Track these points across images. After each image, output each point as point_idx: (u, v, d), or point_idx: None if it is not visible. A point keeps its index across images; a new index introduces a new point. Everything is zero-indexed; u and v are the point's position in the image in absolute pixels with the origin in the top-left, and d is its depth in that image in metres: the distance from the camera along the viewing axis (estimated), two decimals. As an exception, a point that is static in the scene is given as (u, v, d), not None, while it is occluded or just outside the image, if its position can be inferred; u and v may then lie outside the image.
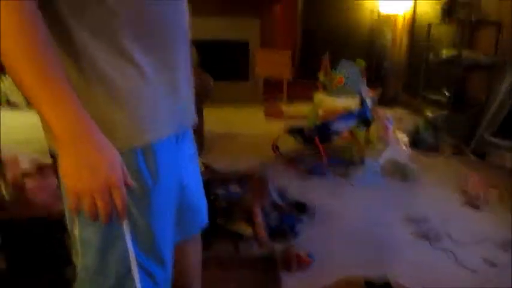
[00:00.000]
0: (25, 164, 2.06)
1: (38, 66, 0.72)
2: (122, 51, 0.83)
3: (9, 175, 1.91)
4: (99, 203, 0.76)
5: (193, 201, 1.17)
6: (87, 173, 0.75)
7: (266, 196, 2.30)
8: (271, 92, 5.78)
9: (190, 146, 1.13)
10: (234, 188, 2.84)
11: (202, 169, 2.25)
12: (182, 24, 0.97)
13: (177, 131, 1.00)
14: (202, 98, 3.58)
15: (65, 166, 0.76)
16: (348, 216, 2.69)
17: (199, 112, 3.65)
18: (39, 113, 0.75)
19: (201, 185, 1.21)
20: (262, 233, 2.22)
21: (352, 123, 3.44)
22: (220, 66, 5.51)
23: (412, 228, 2.50)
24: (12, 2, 0.70)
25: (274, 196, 2.41)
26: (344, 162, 3.45)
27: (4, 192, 1.84)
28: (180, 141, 1.02)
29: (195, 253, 1.28)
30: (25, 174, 1.96)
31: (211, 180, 2.61)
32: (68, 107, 0.74)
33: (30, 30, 0.72)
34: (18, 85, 0.74)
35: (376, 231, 2.51)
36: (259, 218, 2.25)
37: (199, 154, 3.37)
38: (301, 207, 2.62)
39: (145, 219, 0.90)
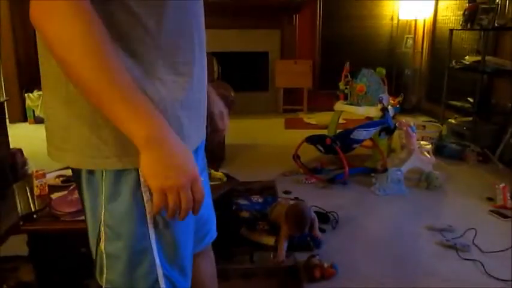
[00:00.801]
0: (51, 178, 2.11)
1: (115, 82, 0.74)
2: (158, 76, 0.85)
3: (36, 189, 1.96)
4: (184, 198, 0.80)
5: (205, 213, 1.18)
6: (173, 171, 0.78)
7: (300, 227, 2.27)
8: (291, 102, 5.79)
9: (202, 158, 1.15)
10: (256, 199, 2.84)
11: (224, 179, 2.26)
12: (204, 40, 0.99)
13: (198, 143, 1.01)
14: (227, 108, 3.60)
15: (151, 168, 0.78)
16: (372, 226, 2.65)
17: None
18: (114, 120, 0.76)
19: (211, 197, 1.23)
20: (282, 256, 2.20)
21: (373, 131, 3.40)
22: (240, 78, 5.57)
23: (438, 238, 2.45)
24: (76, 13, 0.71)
25: (312, 215, 2.38)
26: (366, 171, 3.41)
27: (31, 205, 1.89)
28: (195, 153, 1.03)
29: (208, 265, 1.30)
30: (51, 188, 2.01)
31: (233, 190, 2.62)
32: (147, 113, 0.76)
33: (98, 40, 0.73)
34: (90, 98, 0.76)
35: (400, 241, 2.47)
36: (283, 246, 2.24)
37: (221, 165, 3.41)
38: (323, 218, 2.60)
39: (171, 230, 0.91)
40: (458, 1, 4.89)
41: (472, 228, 2.49)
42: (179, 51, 0.89)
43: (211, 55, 4.36)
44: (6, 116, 3.49)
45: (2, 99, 3.41)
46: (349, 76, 3.84)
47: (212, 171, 2.20)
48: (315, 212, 2.51)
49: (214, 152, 3.45)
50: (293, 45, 5.74)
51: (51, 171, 2.16)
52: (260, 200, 2.84)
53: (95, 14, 0.74)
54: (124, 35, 0.81)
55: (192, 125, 0.94)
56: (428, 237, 2.48)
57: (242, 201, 2.80)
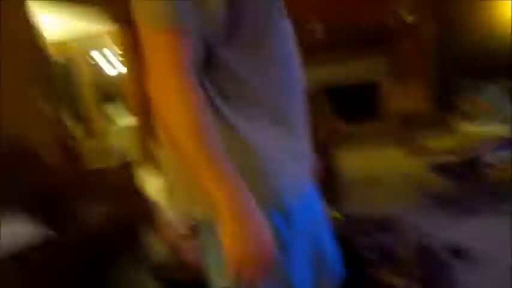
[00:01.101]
0: (179, 225, 2.23)
1: (209, 152, 0.80)
2: (260, 127, 0.90)
3: (166, 237, 2.09)
4: (258, 272, 0.81)
5: (328, 254, 1.16)
6: (252, 243, 0.80)
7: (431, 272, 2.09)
8: (409, 129, 5.49)
9: (317, 199, 1.14)
10: (380, 236, 2.69)
11: (340, 217, 2.18)
12: (301, 86, 1.02)
13: (305, 189, 1.02)
14: (335, 144, 3.57)
15: (231, 237, 0.81)
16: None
17: (332, 158, 3.62)
18: (202, 186, 0.82)
19: (332, 235, 1.20)
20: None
21: (507, 152, 3.06)
22: (351, 110, 5.48)
23: None
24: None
25: (424, 241, 2.20)
26: (502, 198, 3.05)
27: (162, 253, 2.01)
28: (308, 195, 1.04)
29: None
30: (180, 235, 2.12)
31: (353, 229, 2.52)
32: (232, 184, 0.81)
33: (197, 111, 0.80)
34: (189, 169, 0.83)
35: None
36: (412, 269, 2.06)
37: (336, 203, 3.32)
38: (456, 253, 2.36)
39: (287, 277, 0.92)
40: None
41: None
42: (280, 101, 0.93)
43: (321, 92, 4.38)
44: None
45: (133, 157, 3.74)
46: (470, 93, 3.55)
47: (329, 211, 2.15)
48: (448, 247, 2.30)
49: (328, 191, 3.38)
50: (404, 69, 5.50)
51: (178, 220, 2.29)
52: (384, 238, 2.68)
53: (199, 93, 0.81)
54: (224, 91, 0.87)
55: (295, 173, 0.95)
56: None
57: (364, 240, 2.67)
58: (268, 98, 0.90)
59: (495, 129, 3.33)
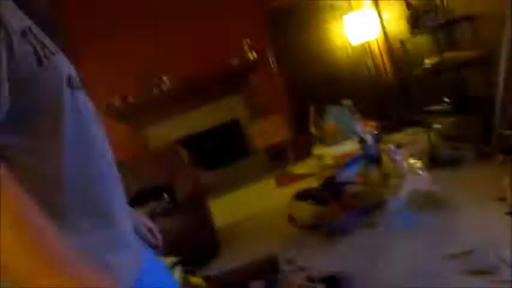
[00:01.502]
0: None
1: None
2: (77, 226, 0.77)
3: None
4: None
5: None
6: None
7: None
8: (278, 159, 5.58)
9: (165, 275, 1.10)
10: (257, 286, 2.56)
11: (203, 285, 2.00)
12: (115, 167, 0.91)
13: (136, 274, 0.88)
14: (202, 196, 3.43)
15: None
16: (387, 272, 2.37)
17: (204, 211, 3.47)
18: None
19: None
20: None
21: (356, 168, 3.19)
22: (219, 152, 5.46)
23: (463, 266, 2.16)
24: None
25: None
26: (366, 210, 3.15)
27: None
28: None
29: None
30: None
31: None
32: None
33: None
34: None
35: (423, 279, 2.18)
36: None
37: (218, 254, 3.11)
38: (331, 282, 2.33)
39: None
40: (399, 11, 4.86)
41: (494, 242, 2.20)
42: (91, 191, 0.80)
43: (178, 144, 4.26)
44: None
45: None
46: (316, 118, 3.70)
47: (189, 277, 1.95)
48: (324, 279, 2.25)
49: (202, 248, 3.22)
50: (260, 103, 5.63)
51: None
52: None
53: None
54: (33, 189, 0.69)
55: (123, 262, 0.84)
56: (451, 268, 2.18)
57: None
58: (77, 188, 0.76)
59: (345, 147, 3.47)
